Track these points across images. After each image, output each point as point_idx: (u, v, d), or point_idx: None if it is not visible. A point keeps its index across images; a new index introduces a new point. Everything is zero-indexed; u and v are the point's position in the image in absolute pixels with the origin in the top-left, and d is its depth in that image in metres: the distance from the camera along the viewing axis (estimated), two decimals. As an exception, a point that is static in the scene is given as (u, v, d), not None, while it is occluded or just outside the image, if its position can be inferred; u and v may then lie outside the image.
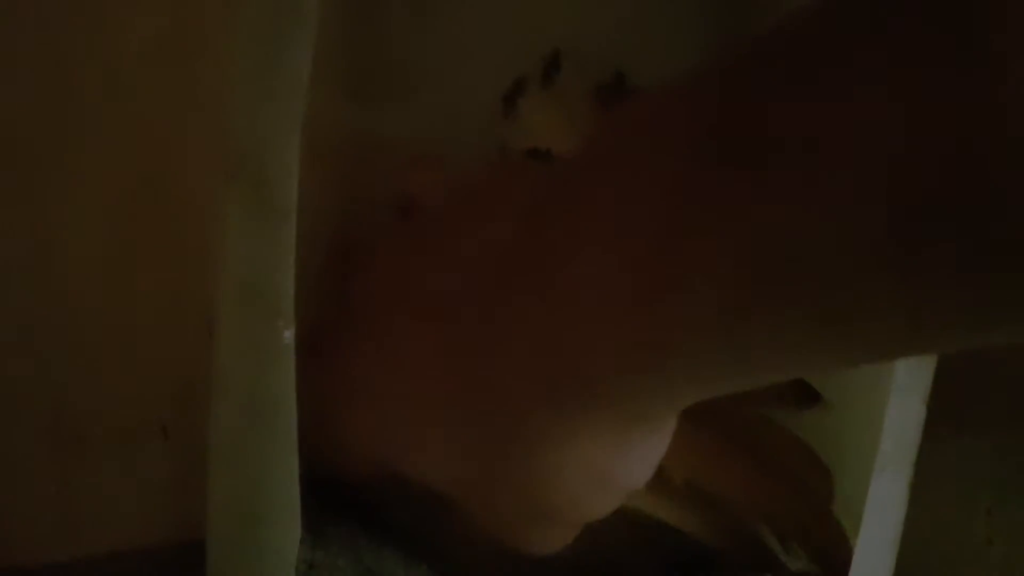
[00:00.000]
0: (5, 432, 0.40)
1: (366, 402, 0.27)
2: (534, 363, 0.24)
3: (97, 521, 0.44)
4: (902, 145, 0.16)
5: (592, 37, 0.35)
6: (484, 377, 0.25)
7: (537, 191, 0.24)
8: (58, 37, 0.32)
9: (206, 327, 0.39)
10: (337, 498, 0.39)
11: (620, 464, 0.25)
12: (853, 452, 0.29)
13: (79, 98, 0.35)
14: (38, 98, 0.34)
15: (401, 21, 0.35)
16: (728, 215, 0.19)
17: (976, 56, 0.15)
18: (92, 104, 0.35)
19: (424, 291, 0.26)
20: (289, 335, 0.25)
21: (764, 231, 0.18)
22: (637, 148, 0.21)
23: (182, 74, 0.34)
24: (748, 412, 0.32)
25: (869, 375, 0.28)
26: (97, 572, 0.44)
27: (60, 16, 0.31)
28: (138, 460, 0.44)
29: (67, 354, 0.41)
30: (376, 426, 0.27)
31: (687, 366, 0.22)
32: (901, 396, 0.27)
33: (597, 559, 0.36)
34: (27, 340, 0.40)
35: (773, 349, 0.20)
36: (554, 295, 0.23)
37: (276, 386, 0.25)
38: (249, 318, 0.25)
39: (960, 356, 0.30)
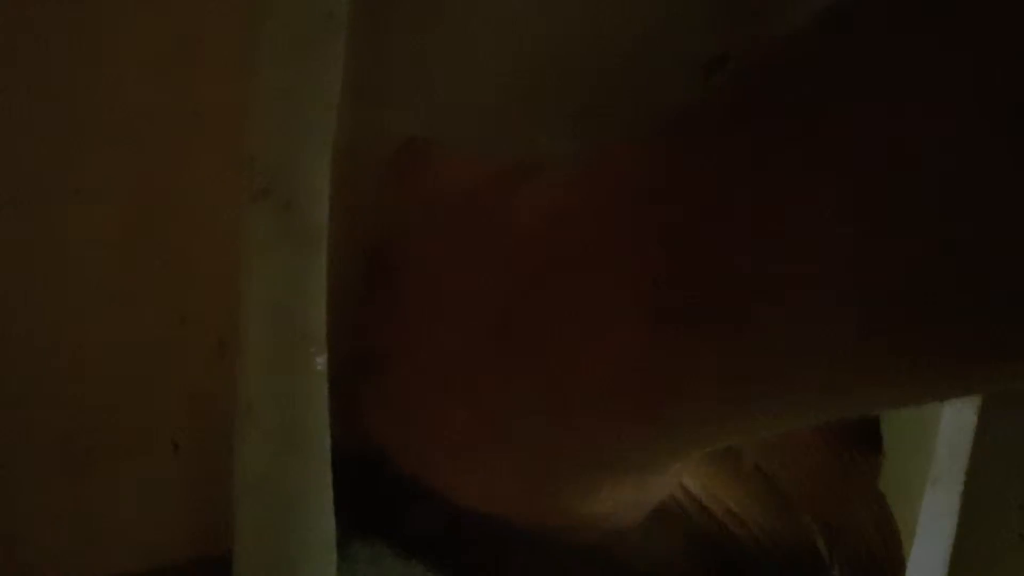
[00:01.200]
0: (17, 453, 0.39)
1: (404, 416, 0.26)
2: (544, 427, 0.23)
3: (111, 541, 0.43)
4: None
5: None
6: (501, 409, 0.24)
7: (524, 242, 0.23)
8: (61, 52, 0.31)
9: (217, 343, 0.39)
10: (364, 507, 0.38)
11: (645, 495, 0.25)
12: (905, 466, 0.28)
13: (85, 114, 0.33)
14: (43, 114, 0.32)
15: (410, 20, 0.34)
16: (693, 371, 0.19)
17: None
18: (98, 120, 0.34)
19: (450, 296, 0.25)
20: (322, 362, 0.24)
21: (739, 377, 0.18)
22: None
23: (191, 91, 0.33)
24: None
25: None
26: (111, 592, 0.43)
27: (63, 31, 0.30)
28: (150, 476, 0.43)
29: (77, 371, 0.40)
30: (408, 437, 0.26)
31: (688, 439, 0.22)
32: (954, 408, 0.27)
33: (637, 565, 0.36)
34: (36, 358, 0.39)
35: (776, 419, 0.20)
36: (551, 366, 0.22)
37: (309, 416, 0.24)
38: (279, 346, 0.24)
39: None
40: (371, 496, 0.42)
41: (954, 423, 0.27)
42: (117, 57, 0.33)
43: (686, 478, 0.30)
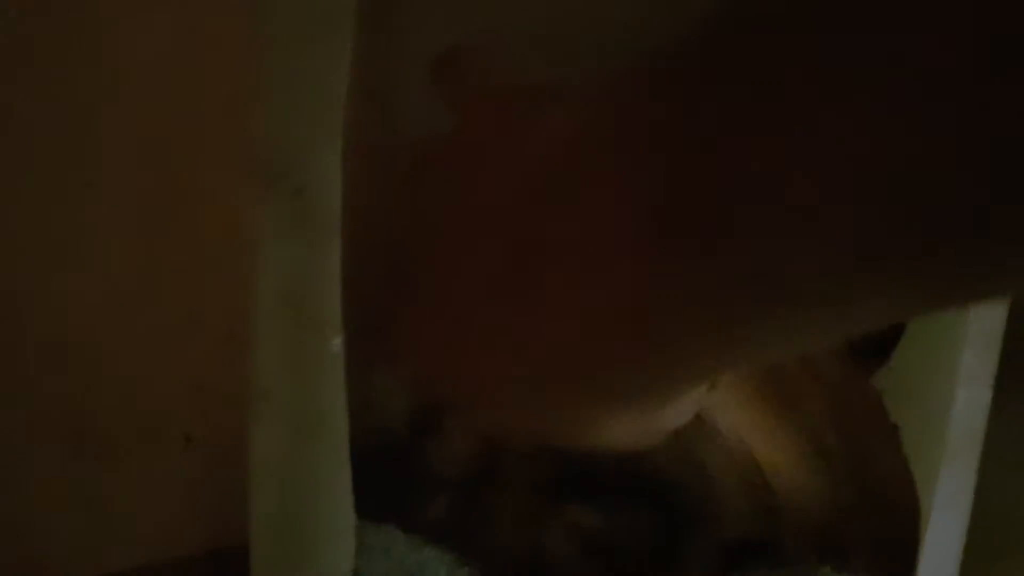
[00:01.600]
0: (28, 446, 0.40)
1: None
2: (550, 358, 0.23)
3: (123, 534, 0.43)
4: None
5: None
6: (520, 332, 0.24)
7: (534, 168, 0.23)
8: (68, 49, 0.31)
9: (227, 335, 0.39)
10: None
11: (658, 422, 0.26)
12: (920, 444, 0.28)
13: (95, 108, 0.34)
14: (53, 110, 0.32)
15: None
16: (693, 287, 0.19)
17: None
18: (108, 115, 0.34)
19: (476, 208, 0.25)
20: (338, 343, 0.24)
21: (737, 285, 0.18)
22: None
23: (200, 79, 0.33)
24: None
25: (935, 365, 0.27)
26: (127, 587, 0.43)
27: (70, 28, 0.30)
28: (162, 468, 0.43)
29: (88, 364, 0.40)
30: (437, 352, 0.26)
31: (684, 365, 0.22)
32: (968, 385, 0.26)
33: (646, 541, 0.36)
34: (47, 351, 0.39)
35: (776, 341, 0.20)
36: (548, 299, 0.22)
37: (326, 398, 0.24)
38: (293, 329, 0.24)
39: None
40: (385, 484, 0.42)
41: (968, 402, 0.26)
42: (124, 51, 0.33)
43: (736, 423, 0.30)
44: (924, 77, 0.15)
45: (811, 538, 0.31)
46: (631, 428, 0.26)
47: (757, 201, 0.18)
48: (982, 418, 0.27)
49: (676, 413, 0.26)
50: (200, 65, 0.34)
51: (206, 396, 0.42)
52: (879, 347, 0.30)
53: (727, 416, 0.30)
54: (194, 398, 0.43)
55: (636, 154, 0.20)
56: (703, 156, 0.18)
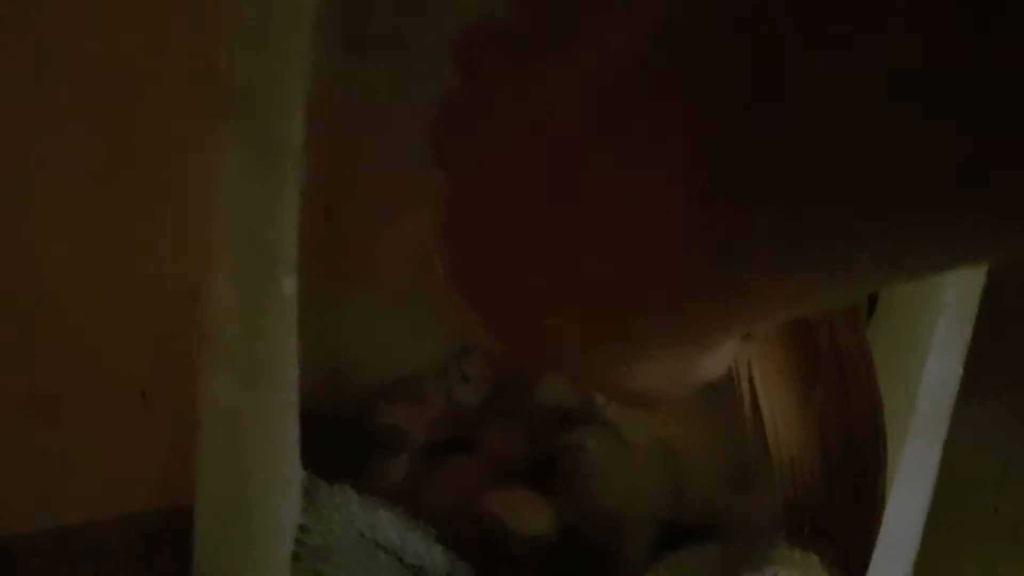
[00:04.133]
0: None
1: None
2: (583, 301, 0.22)
3: (77, 488, 0.42)
4: None
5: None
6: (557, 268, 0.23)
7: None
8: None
9: (189, 292, 0.38)
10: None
11: (692, 371, 0.25)
12: (888, 411, 0.28)
13: (52, 45, 0.32)
14: (8, 45, 0.31)
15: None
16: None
17: None
18: (66, 52, 0.33)
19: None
20: (291, 284, 0.23)
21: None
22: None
23: (165, 15, 0.31)
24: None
25: (908, 333, 0.27)
26: (79, 541, 0.42)
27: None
28: (117, 423, 0.42)
29: (43, 319, 0.39)
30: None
31: (739, 308, 0.21)
32: (939, 356, 0.26)
33: (583, 523, 0.36)
34: (2, 306, 0.38)
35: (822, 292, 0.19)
36: (581, 237, 0.21)
37: (277, 343, 0.23)
38: (246, 267, 0.23)
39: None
40: (347, 444, 0.41)
41: (938, 374, 0.26)
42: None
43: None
44: None
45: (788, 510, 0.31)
46: (662, 377, 0.25)
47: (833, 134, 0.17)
48: (951, 391, 0.27)
49: (712, 364, 0.25)
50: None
51: (164, 353, 0.41)
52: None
53: (752, 371, 0.30)
54: (151, 354, 0.42)
55: (708, 80, 0.18)
56: (779, 88, 0.17)
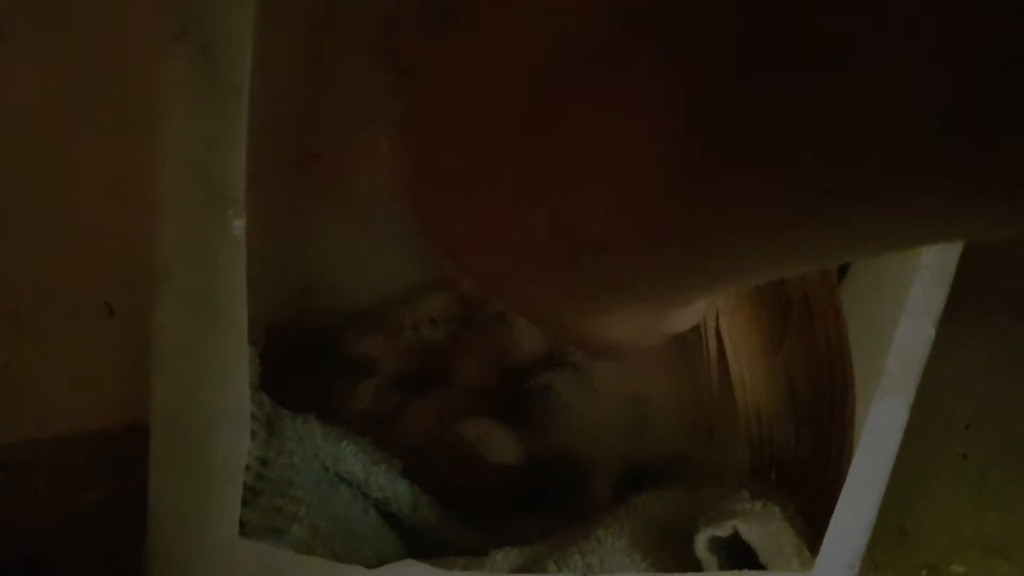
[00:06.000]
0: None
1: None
2: (554, 245, 0.21)
3: (41, 404, 0.42)
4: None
5: None
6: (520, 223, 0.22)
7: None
8: None
9: (155, 207, 0.37)
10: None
11: (661, 324, 0.24)
12: (857, 373, 0.27)
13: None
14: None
15: None
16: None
17: None
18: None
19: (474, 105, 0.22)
20: (240, 224, 0.22)
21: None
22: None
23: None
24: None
25: (883, 293, 0.26)
26: (43, 456, 0.42)
27: None
28: (82, 338, 0.42)
29: (8, 231, 0.38)
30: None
31: (716, 263, 0.20)
32: (912, 319, 0.25)
33: (551, 459, 0.35)
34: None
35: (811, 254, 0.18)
36: (559, 176, 0.20)
37: (226, 281, 0.22)
38: (194, 205, 0.22)
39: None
40: (314, 379, 0.41)
41: (910, 336, 0.25)
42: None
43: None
44: None
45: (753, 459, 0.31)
46: (633, 329, 0.24)
47: (823, 96, 0.15)
48: (922, 354, 0.26)
49: (682, 317, 0.24)
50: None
51: (130, 267, 0.40)
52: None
53: (720, 323, 0.29)
54: (117, 268, 0.41)
55: (695, 21, 0.17)
56: (769, 38, 0.16)
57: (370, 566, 0.28)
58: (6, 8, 0.35)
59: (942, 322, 0.27)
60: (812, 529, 0.29)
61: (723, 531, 0.28)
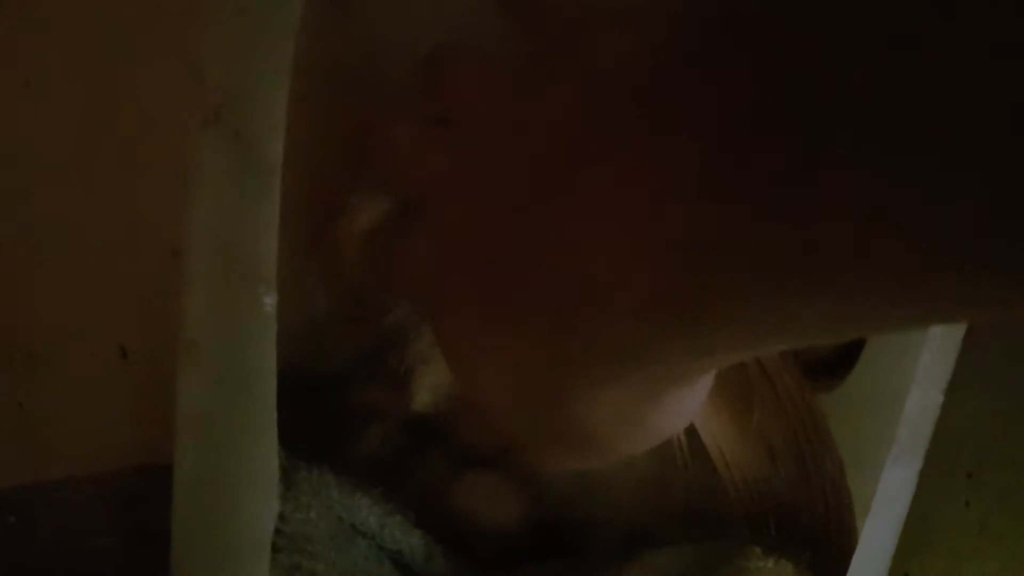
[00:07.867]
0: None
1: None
2: (554, 309, 0.22)
3: (54, 444, 0.42)
4: None
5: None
6: (515, 304, 0.22)
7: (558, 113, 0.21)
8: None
9: (171, 250, 0.37)
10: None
11: (652, 414, 0.24)
12: (868, 440, 0.28)
13: (38, 9, 0.31)
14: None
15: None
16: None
17: None
18: (52, 15, 0.31)
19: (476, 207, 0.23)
20: (271, 302, 0.22)
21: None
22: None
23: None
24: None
25: (892, 364, 0.27)
26: (56, 499, 0.42)
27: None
28: (95, 380, 0.42)
29: (25, 272, 0.39)
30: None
31: (715, 330, 0.20)
32: (921, 387, 0.26)
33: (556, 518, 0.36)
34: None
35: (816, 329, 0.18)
36: (565, 241, 0.21)
37: (256, 358, 0.23)
38: (227, 283, 0.22)
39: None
40: (322, 423, 0.41)
41: (920, 403, 0.26)
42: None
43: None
44: None
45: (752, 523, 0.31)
46: (619, 414, 0.24)
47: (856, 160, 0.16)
48: (931, 420, 0.27)
49: (674, 409, 0.24)
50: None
51: (144, 309, 0.41)
52: (831, 366, 0.29)
53: None
54: (132, 311, 0.41)
55: (705, 90, 0.17)
56: (781, 101, 0.16)
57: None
58: (30, 58, 0.36)
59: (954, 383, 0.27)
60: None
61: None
